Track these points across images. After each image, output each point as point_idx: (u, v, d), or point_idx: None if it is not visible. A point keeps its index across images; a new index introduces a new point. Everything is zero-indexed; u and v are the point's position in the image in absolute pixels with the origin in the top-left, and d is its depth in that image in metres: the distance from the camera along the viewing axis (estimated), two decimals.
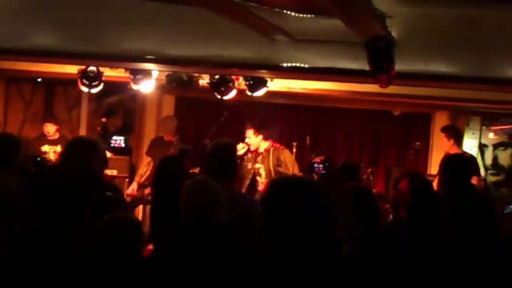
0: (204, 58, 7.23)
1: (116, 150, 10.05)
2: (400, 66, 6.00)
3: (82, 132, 11.17)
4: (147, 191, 8.84)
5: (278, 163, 8.56)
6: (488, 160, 10.74)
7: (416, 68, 6.61)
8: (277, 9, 6.05)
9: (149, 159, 9.45)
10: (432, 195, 4.14)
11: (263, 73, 8.03)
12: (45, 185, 3.45)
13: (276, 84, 8.80)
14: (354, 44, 6.21)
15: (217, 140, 5.23)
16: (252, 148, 8.73)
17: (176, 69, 8.41)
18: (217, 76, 8.61)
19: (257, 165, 8.70)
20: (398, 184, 5.32)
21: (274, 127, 11.15)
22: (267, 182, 8.34)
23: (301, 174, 8.13)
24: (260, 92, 8.64)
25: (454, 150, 8.20)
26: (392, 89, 6.63)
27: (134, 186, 9.38)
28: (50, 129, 9.71)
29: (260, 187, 8.58)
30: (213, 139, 8.50)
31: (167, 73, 8.81)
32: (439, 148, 8.66)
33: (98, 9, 7.18)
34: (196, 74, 8.82)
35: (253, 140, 8.67)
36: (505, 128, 10.79)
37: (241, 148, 8.44)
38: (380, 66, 5.90)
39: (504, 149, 10.70)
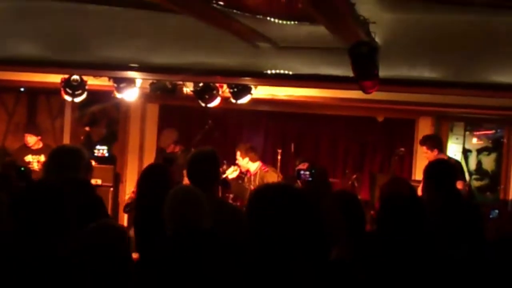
0: (188, 66, 7.20)
1: (100, 160, 10.02)
2: (383, 72, 6.01)
3: (66, 141, 11.10)
4: None
5: None
6: (472, 165, 10.80)
7: (400, 73, 6.62)
8: (260, 16, 6.05)
9: None
10: (405, 200, 4.12)
11: (247, 81, 8.02)
12: (33, 198, 3.42)
13: (260, 92, 8.80)
14: (337, 50, 6.22)
15: (198, 148, 5.24)
16: (243, 170, 8.96)
17: (159, 77, 8.39)
18: (201, 84, 8.60)
19: (252, 186, 8.80)
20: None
21: (258, 137, 11.18)
22: None
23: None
24: (244, 100, 8.64)
25: (439, 157, 8.21)
26: (376, 95, 6.63)
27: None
28: (30, 140, 9.64)
29: None
30: (198, 147, 8.54)
31: (150, 81, 8.78)
32: (425, 159, 8.67)
33: (81, 17, 7.15)
34: (180, 82, 8.80)
35: (241, 161, 8.95)
36: (488, 133, 10.86)
37: (232, 171, 8.77)
38: (364, 72, 5.90)
39: (488, 154, 10.77)
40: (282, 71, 7.05)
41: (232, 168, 8.83)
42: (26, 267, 3.20)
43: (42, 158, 9.32)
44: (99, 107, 10.96)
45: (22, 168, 6.15)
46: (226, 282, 3.33)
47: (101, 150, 10.01)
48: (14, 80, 9.55)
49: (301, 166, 8.29)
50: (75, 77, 8.62)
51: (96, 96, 9.77)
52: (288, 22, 6.20)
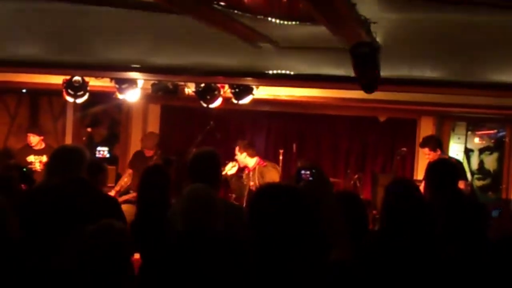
0: (190, 66, 7.21)
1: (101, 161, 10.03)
2: (385, 72, 6.00)
3: (68, 142, 11.11)
4: (123, 198, 9.02)
5: (263, 180, 8.64)
6: (474, 164, 10.80)
7: (401, 73, 6.62)
8: (261, 17, 6.05)
9: (130, 170, 9.45)
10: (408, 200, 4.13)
11: (248, 81, 8.03)
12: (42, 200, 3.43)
13: (262, 92, 8.81)
14: (339, 51, 6.22)
15: (199, 148, 5.24)
16: (241, 165, 8.94)
17: (161, 78, 8.40)
18: (202, 85, 8.61)
19: (251, 182, 8.82)
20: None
21: (260, 137, 11.19)
22: None
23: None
24: (246, 100, 8.65)
25: (441, 157, 8.20)
26: (377, 95, 6.63)
27: (112, 193, 9.41)
28: (33, 139, 9.66)
29: None
30: (200, 148, 8.55)
31: (152, 82, 8.79)
32: (426, 159, 8.66)
33: (83, 18, 7.15)
34: (182, 83, 8.81)
35: (239, 157, 8.91)
36: (490, 133, 10.85)
37: (231, 167, 8.79)
38: (365, 72, 5.90)
39: (490, 154, 10.76)
40: (283, 71, 7.05)
41: (230, 164, 8.85)
42: (32, 270, 3.21)
43: (44, 158, 9.33)
44: (101, 108, 10.98)
45: (24, 169, 6.14)
46: (228, 282, 3.32)
47: (102, 151, 10.01)
48: (16, 81, 9.57)
49: (303, 166, 8.30)
50: (77, 78, 8.64)
51: (98, 97, 9.79)
52: (289, 23, 6.19)
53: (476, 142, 10.89)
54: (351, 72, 5.96)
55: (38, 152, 9.57)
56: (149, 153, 9.48)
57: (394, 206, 4.09)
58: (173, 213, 4.15)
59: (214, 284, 3.53)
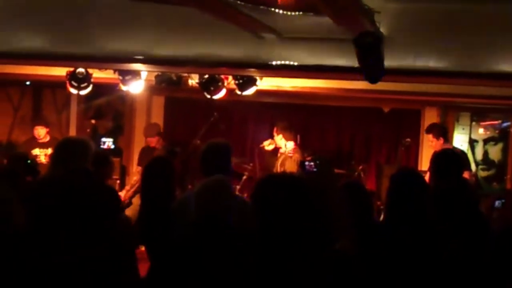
0: (193, 57, 7.20)
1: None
2: (389, 62, 5.99)
3: (72, 134, 11.09)
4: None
5: (282, 168, 8.83)
6: (479, 155, 10.77)
7: (405, 63, 6.61)
8: (264, 7, 6.04)
9: (139, 168, 9.43)
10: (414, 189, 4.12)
11: (252, 72, 8.02)
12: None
13: (266, 83, 8.79)
14: (342, 41, 6.20)
15: (212, 140, 5.20)
16: (277, 146, 9.20)
17: (165, 69, 8.39)
18: (206, 76, 8.60)
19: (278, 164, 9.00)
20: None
21: (263, 128, 11.19)
22: None
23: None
24: (249, 91, 8.63)
25: (445, 147, 8.18)
26: (381, 85, 6.62)
27: (122, 193, 9.42)
28: (41, 132, 9.65)
29: None
30: (204, 139, 8.56)
31: (156, 73, 8.78)
32: (430, 147, 8.65)
33: (86, 10, 7.15)
34: (185, 74, 8.79)
35: (276, 138, 9.20)
36: (495, 123, 10.83)
37: (268, 144, 9.26)
38: (369, 62, 5.89)
39: (494, 144, 10.74)
40: (287, 62, 7.05)
41: (268, 141, 9.26)
42: (37, 260, 3.22)
43: (49, 151, 9.32)
44: (105, 100, 10.97)
45: (29, 161, 6.14)
46: (237, 274, 3.31)
47: (107, 142, 10.01)
48: (19, 73, 9.57)
49: (307, 158, 8.30)
50: (81, 70, 8.63)
51: (101, 88, 9.78)
52: (293, 13, 6.18)
53: (481, 132, 10.86)
54: (355, 63, 5.95)
55: (43, 145, 9.56)
56: (152, 142, 9.47)
57: (399, 195, 4.09)
58: (183, 204, 4.13)
59: (224, 277, 3.52)
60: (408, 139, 9.69)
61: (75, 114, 11.45)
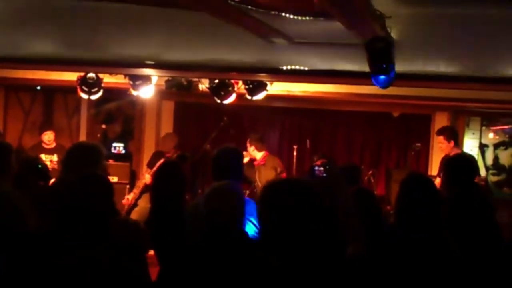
0: (203, 62, 7.21)
1: (116, 157, 10.06)
2: (399, 66, 5.99)
3: (82, 139, 11.13)
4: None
5: (259, 176, 9.02)
6: (489, 160, 10.74)
7: (416, 68, 6.60)
8: (275, 12, 6.04)
9: (150, 170, 9.45)
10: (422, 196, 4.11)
11: (262, 77, 8.02)
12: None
13: (276, 88, 8.79)
14: (353, 46, 6.21)
15: (223, 146, 5.21)
16: (251, 157, 9.30)
17: (175, 74, 8.40)
18: (216, 81, 8.59)
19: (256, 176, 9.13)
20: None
21: (273, 133, 11.20)
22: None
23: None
24: (260, 96, 8.63)
25: (455, 151, 8.18)
26: (391, 90, 6.62)
27: (130, 196, 9.43)
28: (51, 136, 9.71)
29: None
30: (214, 144, 8.58)
31: (166, 78, 8.79)
32: (439, 150, 8.64)
33: (97, 15, 7.18)
34: (196, 79, 8.80)
35: (248, 149, 9.33)
36: (505, 128, 10.79)
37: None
38: (380, 67, 5.88)
39: (505, 149, 10.71)
40: (297, 67, 7.05)
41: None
42: (50, 263, 3.23)
43: (55, 157, 9.40)
44: (115, 105, 11.01)
45: (40, 165, 6.14)
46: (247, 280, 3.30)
47: (118, 147, 10.03)
48: (30, 78, 9.62)
49: (317, 162, 8.30)
50: (91, 75, 8.65)
51: (112, 93, 9.82)
52: (303, 18, 6.18)
53: (491, 137, 10.83)
54: (365, 68, 5.94)
55: (49, 151, 9.61)
56: (168, 154, 9.50)
57: (409, 200, 4.08)
58: (194, 209, 4.13)
59: (233, 282, 3.51)
60: (418, 144, 9.68)
61: (85, 119, 11.48)
